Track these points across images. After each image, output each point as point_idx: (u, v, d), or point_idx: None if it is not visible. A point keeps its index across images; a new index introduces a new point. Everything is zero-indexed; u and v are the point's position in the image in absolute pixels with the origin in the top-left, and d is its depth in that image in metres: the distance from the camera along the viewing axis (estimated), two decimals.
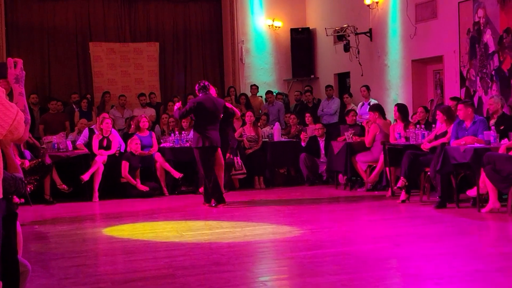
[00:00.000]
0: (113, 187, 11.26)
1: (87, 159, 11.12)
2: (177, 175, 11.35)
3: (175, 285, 5.22)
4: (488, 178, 8.04)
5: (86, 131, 11.73)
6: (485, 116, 9.95)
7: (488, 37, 10.72)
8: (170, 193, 11.45)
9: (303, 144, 12.59)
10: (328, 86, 14.73)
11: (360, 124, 12.29)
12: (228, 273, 5.57)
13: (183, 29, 17.26)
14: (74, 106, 14.50)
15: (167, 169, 11.43)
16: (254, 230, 7.64)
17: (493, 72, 10.65)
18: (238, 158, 11.73)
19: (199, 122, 9.64)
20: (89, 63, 16.34)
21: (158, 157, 11.49)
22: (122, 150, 11.57)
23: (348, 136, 11.47)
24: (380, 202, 9.86)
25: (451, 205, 8.85)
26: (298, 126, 13.43)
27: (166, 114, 13.88)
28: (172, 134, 12.17)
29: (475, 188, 8.44)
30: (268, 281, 5.36)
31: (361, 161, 11.08)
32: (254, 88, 15.91)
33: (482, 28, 10.85)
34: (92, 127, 11.88)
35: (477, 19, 10.97)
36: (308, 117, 13.40)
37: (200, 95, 9.77)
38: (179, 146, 11.85)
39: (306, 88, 15.53)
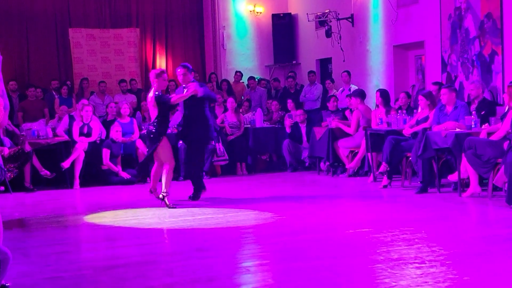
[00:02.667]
0: (94, 174, 11.20)
1: (68, 147, 11.03)
2: None
3: (157, 271, 5.19)
4: (469, 163, 8.09)
5: (66, 118, 11.62)
6: (466, 101, 9.99)
7: (469, 22, 10.75)
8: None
9: (288, 130, 12.56)
10: (310, 72, 14.70)
11: (341, 109, 12.30)
12: (211, 259, 5.56)
13: (164, 14, 17.15)
14: (54, 93, 14.36)
15: None
16: (236, 216, 7.63)
17: (474, 57, 10.69)
18: (220, 144, 11.69)
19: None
20: (68, 50, 16.19)
21: (140, 144, 11.43)
22: (103, 137, 11.49)
23: (330, 122, 11.47)
24: (362, 187, 9.89)
25: (432, 190, 8.91)
26: (280, 112, 13.41)
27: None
28: None
29: (456, 173, 8.49)
30: (251, 266, 5.36)
31: (343, 146, 11.09)
32: (239, 74, 15.86)
33: (463, 13, 10.87)
34: (72, 114, 11.76)
35: (458, 4, 10.98)
36: (290, 103, 13.39)
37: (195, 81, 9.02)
38: None
39: (290, 74, 15.50)
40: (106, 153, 11.05)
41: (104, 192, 10.34)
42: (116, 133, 11.24)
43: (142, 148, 11.38)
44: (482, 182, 8.39)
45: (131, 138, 11.48)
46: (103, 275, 5.10)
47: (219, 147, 11.67)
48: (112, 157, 11.14)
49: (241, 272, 5.19)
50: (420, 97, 9.49)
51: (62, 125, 11.51)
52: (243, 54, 16.72)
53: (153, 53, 17.18)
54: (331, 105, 12.25)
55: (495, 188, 8.11)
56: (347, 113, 11.73)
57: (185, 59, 17.26)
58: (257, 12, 16.61)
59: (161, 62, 17.26)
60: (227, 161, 11.90)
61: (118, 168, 11.14)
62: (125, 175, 11.11)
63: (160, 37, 17.19)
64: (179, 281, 4.85)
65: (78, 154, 10.88)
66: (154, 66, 17.11)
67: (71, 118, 11.52)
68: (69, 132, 11.36)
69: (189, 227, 7.05)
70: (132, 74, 16.34)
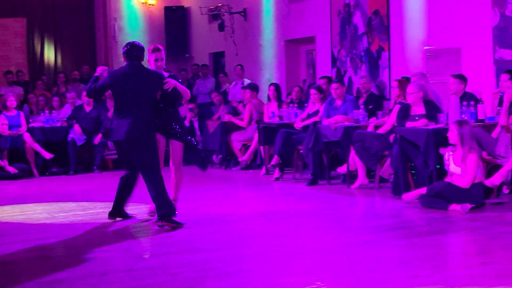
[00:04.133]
0: None
1: None
2: (48, 155, 11.01)
3: (48, 267, 5.06)
4: (357, 155, 8.35)
5: None
6: (354, 95, 10.31)
7: (357, 19, 11.09)
8: (40, 174, 11.12)
9: (187, 124, 12.48)
10: (203, 65, 14.72)
11: (230, 102, 12.40)
12: (105, 253, 5.49)
13: (52, 4, 16.66)
14: None
15: (37, 150, 11.06)
16: (129, 210, 7.52)
17: (362, 53, 11.05)
18: None
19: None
20: None
21: (27, 137, 11.07)
22: None
23: (223, 115, 11.53)
24: (254, 180, 10.01)
25: (322, 182, 9.13)
26: None
27: (34, 94, 13.39)
28: (42, 114, 11.76)
29: (345, 165, 8.75)
30: (146, 259, 5.33)
31: (236, 140, 11.18)
32: None
33: (352, 10, 11.20)
34: None
35: (347, 1, 11.31)
36: None
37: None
38: (49, 126, 11.50)
39: (193, 66, 15.36)
40: None
41: None
42: (2, 126, 10.84)
43: (30, 142, 11.01)
44: (370, 174, 8.70)
45: (18, 132, 11.10)
46: None
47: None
48: None
49: (137, 265, 5.15)
50: (313, 91, 9.70)
51: None
52: None
53: (41, 44, 16.67)
54: (215, 99, 12.34)
55: (382, 180, 8.41)
56: (240, 106, 11.83)
57: (75, 51, 16.88)
58: (150, 4, 16.43)
59: (49, 54, 16.78)
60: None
61: (4, 163, 10.73)
62: (11, 169, 10.73)
63: (48, 27, 16.69)
64: (71, 276, 4.75)
65: None
66: (42, 57, 16.62)
67: None
68: None
69: (81, 222, 6.92)
70: (19, 66, 15.77)
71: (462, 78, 8.05)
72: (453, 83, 8.05)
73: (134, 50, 6.70)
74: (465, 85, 8.04)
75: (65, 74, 14.93)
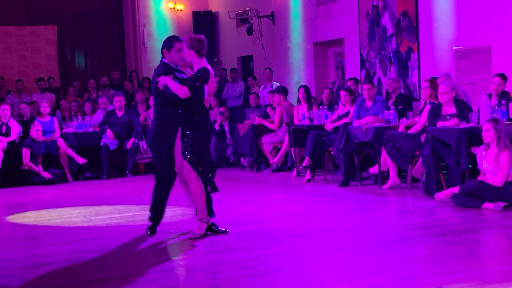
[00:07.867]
0: (14, 175, 10.91)
1: None
2: (81, 160, 11.16)
3: (88, 268, 5.18)
4: (389, 156, 8.37)
5: None
6: (383, 96, 10.33)
7: (386, 20, 11.11)
8: (74, 179, 11.27)
9: (217, 128, 12.57)
10: (232, 70, 14.82)
11: (263, 106, 12.47)
12: (140, 254, 5.59)
13: (82, 11, 16.91)
14: None
15: (71, 155, 11.22)
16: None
17: (391, 54, 11.06)
18: (143, 142, 11.64)
19: None
20: None
21: (61, 143, 11.25)
22: (21, 135, 11.19)
23: (253, 118, 11.61)
24: (285, 182, 10.06)
25: (354, 183, 9.16)
26: None
27: (66, 100, 13.59)
28: (75, 119, 11.94)
29: (377, 165, 8.77)
30: (181, 260, 5.42)
31: (266, 142, 11.25)
32: None
33: (380, 11, 11.22)
34: None
35: (375, 3, 11.33)
36: (213, 100, 13.43)
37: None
38: (82, 131, 11.66)
39: (220, 70, 15.49)
40: (26, 152, 10.81)
41: (25, 192, 10.12)
42: (36, 132, 11.02)
43: (63, 147, 11.19)
44: (401, 174, 8.71)
45: (52, 137, 11.28)
46: (31, 273, 5.03)
47: (143, 145, 11.62)
48: (33, 157, 10.91)
49: (172, 265, 5.24)
50: (343, 92, 9.74)
51: None
52: None
53: (72, 51, 16.91)
54: (252, 102, 12.45)
55: (414, 180, 8.43)
56: (268, 109, 11.90)
57: (105, 57, 17.10)
58: (178, 10, 16.60)
59: (80, 60, 17.01)
60: (151, 159, 11.82)
61: (39, 168, 10.92)
62: (46, 175, 10.91)
63: (79, 34, 16.93)
64: (111, 276, 4.86)
65: None
66: (73, 64, 16.86)
67: None
68: None
69: (116, 224, 7.03)
70: (50, 72, 16.03)
71: (505, 77, 8.20)
72: (500, 84, 8.15)
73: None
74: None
75: (95, 80, 15.14)
